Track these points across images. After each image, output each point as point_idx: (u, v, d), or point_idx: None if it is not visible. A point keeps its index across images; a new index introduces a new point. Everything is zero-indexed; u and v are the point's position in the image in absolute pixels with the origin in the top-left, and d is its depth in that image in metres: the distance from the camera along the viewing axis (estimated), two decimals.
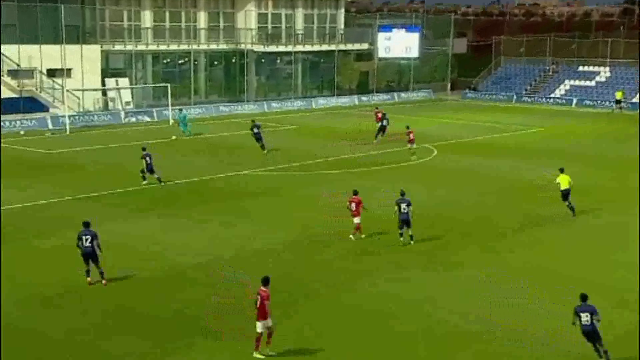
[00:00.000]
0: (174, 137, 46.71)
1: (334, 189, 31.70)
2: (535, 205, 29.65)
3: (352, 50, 74.31)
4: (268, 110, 63.76)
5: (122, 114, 55.43)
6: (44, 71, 54.72)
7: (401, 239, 24.41)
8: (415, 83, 78.03)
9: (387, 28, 74.39)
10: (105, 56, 58.92)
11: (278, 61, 69.93)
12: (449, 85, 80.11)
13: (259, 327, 16.33)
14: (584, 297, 16.30)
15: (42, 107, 54.32)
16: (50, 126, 50.54)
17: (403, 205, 24.20)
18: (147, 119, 55.72)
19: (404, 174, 36.19)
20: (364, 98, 71.90)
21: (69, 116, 50.63)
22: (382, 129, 45.95)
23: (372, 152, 42.49)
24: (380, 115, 47.92)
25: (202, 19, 65.01)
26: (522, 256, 23.37)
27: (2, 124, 49.30)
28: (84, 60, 56.21)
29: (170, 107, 54.36)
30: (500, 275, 21.46)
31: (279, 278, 19.97)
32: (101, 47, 58.05)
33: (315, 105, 67.62)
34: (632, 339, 17.17)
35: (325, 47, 71.33)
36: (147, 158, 32.87)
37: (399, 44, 73.78)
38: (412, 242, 24.41)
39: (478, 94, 75.77)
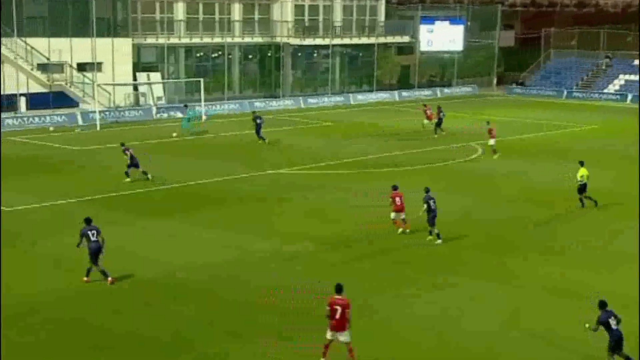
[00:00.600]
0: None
1: (367, 190, 31.64)
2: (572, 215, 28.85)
3: (393, 43, 73.74)
4: (304, 105, 63.78)
5: (154, 110, 55.79)
6: (74, 65, 55.34)
7: (430, 237, 24.87)
8: (458, 78, 77.29)
9: (430, 20, 73.69)
10: (137, 50, 59.34)
11: (315, 55, 69.79)
12: (494, 80, 79.16)
13: (344, 337, 15.95)
14: (604, 304, 16.10)
15: (71, 102, 54.94)
16: (80, 122, 50.98)
17: (432, 202, 24.57)
18: (180, 114, 55.78)
19: (442, 175, 35.82)
20: (404, 93, 71.47)
21: (99, 111, 51.09)
22: (439, 122, 47.10)
23: (405, 151, 42.34)
24: (429, 111, 48.79)
25: (237, 11, 65.09)
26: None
27: (31, 119, 50.13)
28: (115, 54, 56.66)
29: (203, 103, 54.58)
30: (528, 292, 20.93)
31: (289, 286, 20.17)
32: (132, 40, 58.44)
33: (353, 100, 67.24)
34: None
35: (364, 40, 71.01)
36: (127, 152, 33.60)
37: (442, 36, 73.18)
38: (439, 240, 24.69)
39: (526, 90, 74.72)
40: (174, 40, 61.63)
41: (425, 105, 51.03)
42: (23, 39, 52.67)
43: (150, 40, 60.48)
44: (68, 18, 55.22)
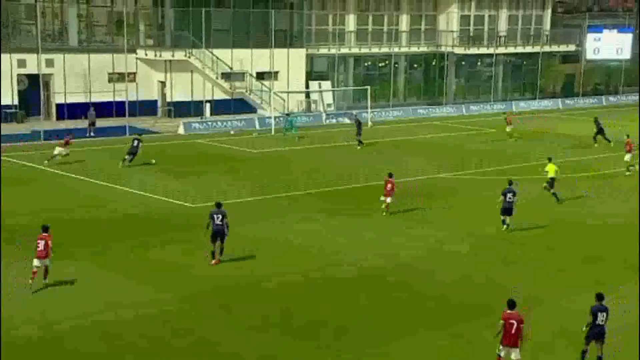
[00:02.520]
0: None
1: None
2: None
3: (558, 52, 75.24)
4: (466, 112, 66.31)
5: (324, 116, 60.26)
6: (254, 74, 60.74)
7: (504, 227, 28.00)
8: (626, 86, 77.36)
9: (597, 29, 74.55)
10: (310, 59, 63.90)
11: (478, 63, 72.37)
12: None
13: (516, 354, 16.64)
14: (601, 297, 17.32)
15: (250, 108, 60.41)
16: (257, 126, 55.56)
17: (509, 195, 27.63)
18: (347, 121, 59.78)
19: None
20: (568, 101, 72.71)
21: (274, 117, 55.46)
22: (600, 131, 48.54)
23: (573, 157, 44.02)
24: (510, 118, 51.89)
25: (404, 22, 68.65)
26: None
27: (214, 124, 55.31)
28: (290, 64, 61.65)
29: (369, 110, 58.63)
30: None
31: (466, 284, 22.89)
32: (306, 50, 63.13)
33: (515, 108, 68.84)
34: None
35: (529, 49, 73.01)
36: (135, 142, 39.96)
37: (610, 45, 73.98)
38: (506, 229, 27.84)
39: None
40: (344, 51, 65.80)
41: (505, 113, 53.80)
42: (210, 50, 58.54)
43: (323, 50, 64.85)
44: (249, 30, 60.75)
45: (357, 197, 34.20)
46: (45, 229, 22.15)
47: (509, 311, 16.67)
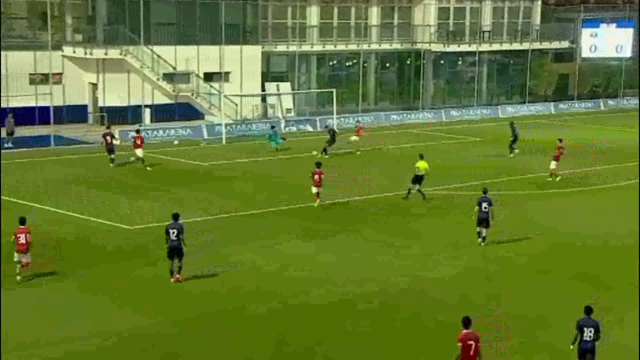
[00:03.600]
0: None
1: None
2: None
3: (549, 49, 75.18)
4: (446, 118, 65.73)
5: (283, 123, 58.73)
6: (201, 75, 59.39)
7: (479, 239, 28.78)
8: (627, 88, 77.20)
9: (594, 23, 74.53)
10: (266, 58, 62.94)
11: (459, 62, 72.18)
12: None
13: None
14: (589, 310, 17.69)
15: (197, 114, 58.96)
16: (205, 135, 54.23)
17: (484, 204, 28.39)
18: (310, 128, 58.66)
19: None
20: (561, 106, 72.58)
21: (226, 124, 54.12)
22: (514, 140, 48.25)
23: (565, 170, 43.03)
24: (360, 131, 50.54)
25: (375, 15, 68.28)
26: None
27: (155, 132, 53.63)
28: (243, 63, 60.43)
29: (335, 115, 57.10)
30: None
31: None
32: (262, 47, 62.12)
33: (502, 113, 68.67)
34: None
35: (516, 46, 73.06)
36: (108, 137, 43.41)
37: (608, 41, 73.96)
38: (483, 243, 28.58)
39: None
40: (305, 48, 65.08)
41: (359, 122, 54.29)
42: (150, 47, 57.11)
43: (281, 47, 64.03)
44: (196, 25, 59.30)
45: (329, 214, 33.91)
46: (23, 221, 24.17)
47: (465, 331, 16.80)
